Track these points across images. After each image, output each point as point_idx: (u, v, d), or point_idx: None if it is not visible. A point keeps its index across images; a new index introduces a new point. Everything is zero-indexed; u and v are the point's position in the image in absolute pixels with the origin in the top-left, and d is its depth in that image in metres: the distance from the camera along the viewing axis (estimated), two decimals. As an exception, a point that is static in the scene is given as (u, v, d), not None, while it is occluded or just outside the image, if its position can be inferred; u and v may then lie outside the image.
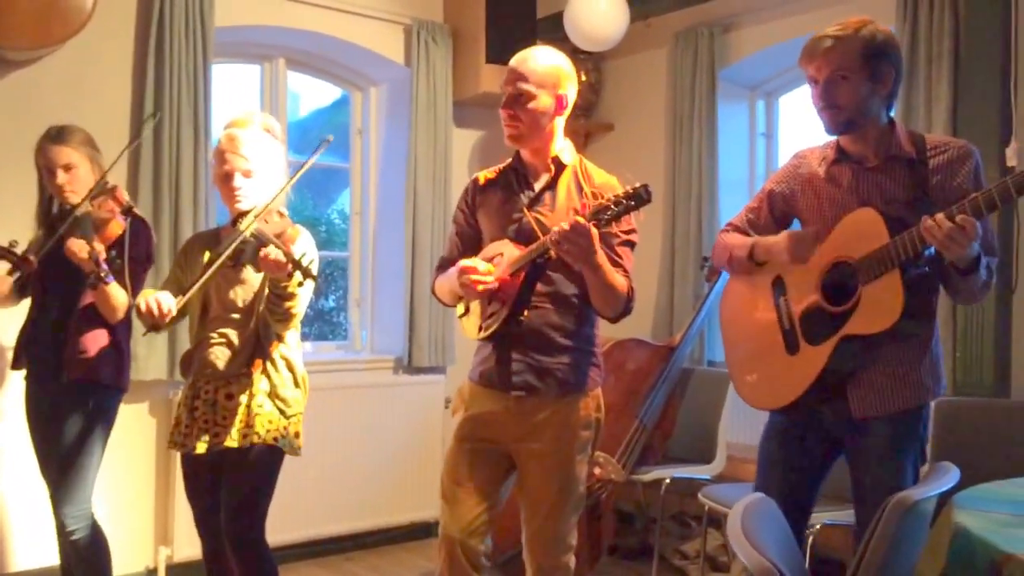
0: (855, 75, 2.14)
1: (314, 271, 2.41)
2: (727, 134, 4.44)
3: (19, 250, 2.80)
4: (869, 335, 2.11)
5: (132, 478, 3.79)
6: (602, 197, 2.16)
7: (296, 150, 4.58)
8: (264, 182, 2.64)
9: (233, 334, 2.64)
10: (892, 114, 2.26)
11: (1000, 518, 1.92)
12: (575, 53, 4.77)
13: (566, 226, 2.13)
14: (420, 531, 4.54)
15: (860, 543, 2.21)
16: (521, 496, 2.45)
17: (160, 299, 2.53)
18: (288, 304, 2.53)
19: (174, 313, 2.54)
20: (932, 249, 2.15)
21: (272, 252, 2.41)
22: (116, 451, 2.98)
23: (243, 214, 2.62)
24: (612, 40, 4.35)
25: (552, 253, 2.25)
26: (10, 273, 2.86)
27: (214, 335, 2.65)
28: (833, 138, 2.30)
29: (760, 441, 2.40)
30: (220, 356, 2.64)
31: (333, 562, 4.23)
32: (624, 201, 2.12)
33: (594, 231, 2.14)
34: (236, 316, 2.65)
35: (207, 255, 2.67)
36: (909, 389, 2.18)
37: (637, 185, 2.12)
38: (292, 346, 2.71)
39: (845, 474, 2.30)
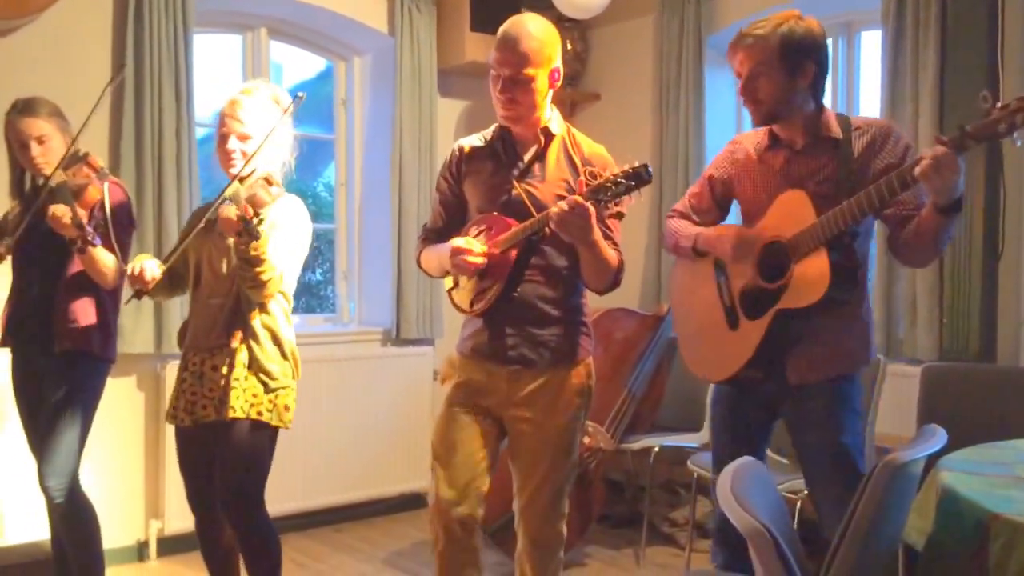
0: (773, 71, 2.25)
1: (289, 235, 2.43)
2: (714, 101, 4.42)
3: None
4: (801, 308, 2.23)
5: (121, 452, 3.78)
6: (600, 176, 2.15)
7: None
8: (262, 149, 2.59)
9: (220, 303, 2.61)
10: (823, 100, 2.35)
11: (986, 479, 1.95)
12: (560, 21, 4.73)
13: (566, 206, 2.12)
14: (410, 502, 4.56)
15: (819, 507, 2.31)
16: (514, 465, 2.45)
17: (145, 265, 2.53)
18: (258, 269, 2.46)
19: (158, 279, 2.54)
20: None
21: (225, 211, 2.39)
22: (105, 425, 2.97)
23: (241, 180, 2.59)
24: (598, 7, 4.31)
25: (547, 229, 2.24)
26: None
27: (205, 305, 2.63)
28: None
29: (710, 405, 2.55)
30: (206, 326, 2.62)
31: (323, 533, 4.25)
32: (624, 181, 2.11)
33: (592, 210, 2.14)
34: (226, 285, 2.61)
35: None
36: (842, 356, 2.31)
37: (636, 164, 2.11)
38: (277, 316, 2.65)
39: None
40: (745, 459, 1.76)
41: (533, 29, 2.30)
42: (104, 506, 3.01)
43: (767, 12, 4.01)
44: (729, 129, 4.58)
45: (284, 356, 2.66)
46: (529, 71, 2.28)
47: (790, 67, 2.24)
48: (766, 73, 2.25)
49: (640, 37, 4.69)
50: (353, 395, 4.37)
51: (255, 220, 2.39)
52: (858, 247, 2.30)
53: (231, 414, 2.56)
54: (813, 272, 2.19)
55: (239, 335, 2.59)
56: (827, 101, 2.36)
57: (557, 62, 2.35)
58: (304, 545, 4.06)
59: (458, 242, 2.31)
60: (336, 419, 4.31)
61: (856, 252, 2.28)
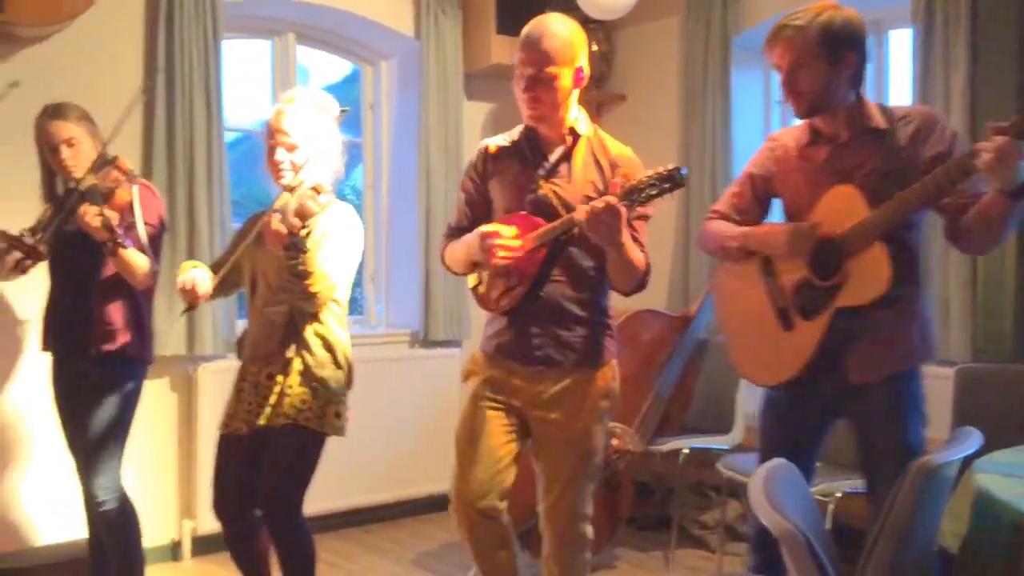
0: (815, 62, 2.21)
1: (333, 247, 2.42)
2: (741, 102, 4.40)
3: (28, 235, 2.81)
4: (860, 306, 2.17)
5: (155, 453, 3.82)
6: (632, 178, 2.14)
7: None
8: (311, 158, 2.62)
9: (276, 313, 2.63)
10: (862, 92, 2.30)
11: (1022, 482, 1.92)
12: (586, 22, 4.71)
13: (599, 205, 2.11)
14: (438, 503, 4.56)
15: (878, 508, 2.24)
16: (538, 467, 2.45)
17: (197, 279, 2.58)
18: (306, 282, 2.50)
19: (209, 293, 2.62)
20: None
21: (274, 222, 2.39)
22: (138, 426, 3.00)
23: (291, 191, 2.62)
24: (624, 8, 4.30)
25: (576, 230, 2.23)
26: (16, 265, 2.84)
27: (262, 314, 2.66)
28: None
29: (760, 415, 2.47)
30: (262, 336, 2.64)
31: (353, 534, 4.27)
32: (657, 183, 2.11)
33: (623, 212, 2.13)
34: (281, 294, 2.63)
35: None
36: (901, 352, 2.24)
37: (671, 167, 2.10)
38: (331, 324, 2.68)
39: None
40: (777, 461, 1.75)
41: (556, 28, 2.29)
42: (138, 506, 3.04)
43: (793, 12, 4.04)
44: (756, 130, 4.55)
45: (337, 364, 2.69)
46: (552, 69, 2.27)
47: (831, 57, 2.20)
48: (807, 64, 2.20)
49: (666, 38, 4.68)
50: (381, 397, 4.39)
51: (302, 232, 2.40)
52: (913, 239, 2.24)
53: (281, 421, 2.58)
54: (871, 267, 2.14)
55: (294, 346, 2.62)
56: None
57: (581, 61, 2.33)
58: (335, 545, 4.08)
59: (486, 228, 2.31)
60: (364, 421, 4.29)
61: (912, 244, 2.23)
